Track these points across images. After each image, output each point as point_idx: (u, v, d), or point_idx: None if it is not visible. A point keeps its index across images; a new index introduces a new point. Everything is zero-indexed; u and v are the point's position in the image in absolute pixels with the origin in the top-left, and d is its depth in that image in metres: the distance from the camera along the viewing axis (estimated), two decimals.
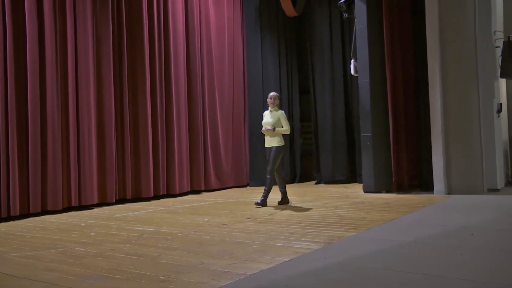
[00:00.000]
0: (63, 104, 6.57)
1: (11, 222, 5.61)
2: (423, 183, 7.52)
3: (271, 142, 6.21)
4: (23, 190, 6.00)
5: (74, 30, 6.73)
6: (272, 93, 6.44)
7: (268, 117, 6.33)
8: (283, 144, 6.25)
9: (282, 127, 6.21)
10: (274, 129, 6.14)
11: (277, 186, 6.41)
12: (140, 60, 7.61)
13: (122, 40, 7.40)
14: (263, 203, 6.22)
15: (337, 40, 9.58)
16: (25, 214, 5.98)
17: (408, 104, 7.65)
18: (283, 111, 6.39)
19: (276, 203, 6.39)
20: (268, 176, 6.20)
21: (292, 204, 6.45)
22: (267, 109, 6.43)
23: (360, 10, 7.70)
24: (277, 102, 6.35)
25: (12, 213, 5.81)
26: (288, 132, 6.35)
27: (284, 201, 6.42)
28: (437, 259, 3.25)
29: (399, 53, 7.57)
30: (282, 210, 5.95)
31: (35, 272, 3.22)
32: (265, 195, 6.24)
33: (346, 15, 8.29)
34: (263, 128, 6.27)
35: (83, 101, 6.80)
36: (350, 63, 8.05)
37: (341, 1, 8.15)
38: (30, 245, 4.20)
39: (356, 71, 7.88)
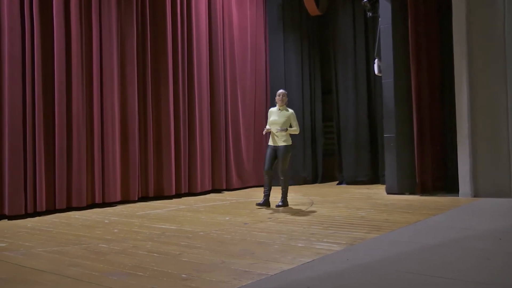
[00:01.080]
0: (88, 104, 6.68)
1: (37, 218, 5.74)
2: (448, 185, 7.38)
3: (279, 141, 5.99)
4: (49, 187, 6.13)
5: (99, 30, 6.83)
6: (281, 91, 6.18)
7: (277, 116, 6.06)
8: (291, 143, 6.08)
9: (290, 126, 6.03)
10: (286, 129, 5.96)
11: (274, 186, 6.24)
12: (163, 60, 7.69)
13: (145, 39, 7.48)
14: (284, 203, 6.13)
15: (360, 39, 9.49)
16: (51, 210, 6.11)
17: (433, 104, 7.51)
18: (293, 111, 6.15)
19: (275, 206, 6.17)
20: (281, 178, 6.04)
21: (313, 205, 6.41)
22: (275, 106, 6.18)
23: (385, 9, 7.61)
24: (286, 100, 6.12)
25: (38, 209, 5.94)
26: (298, 132, 6.17)
27: (266, 203, 6.15)
28: (462, 263, 3.18)
29: (425, 52, 7.44)
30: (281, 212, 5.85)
31: (61, 267, 3.28)
32: (284, 196, 6.14)
33: (370, 14, 8.19)
34: (272, 127, 6.00)
35: (108, 100, 6.90)
36: (374, 63, 7.96)
37: (365, 0, 8.06)
38: (56, 241, 4.28)
39: (380, 70, 7.78)
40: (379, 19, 7.78)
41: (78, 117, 6.46)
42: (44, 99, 6.15)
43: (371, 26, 9.22)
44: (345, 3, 9.67)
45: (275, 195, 6.40)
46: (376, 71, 7.92)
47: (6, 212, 5.68)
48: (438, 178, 7.52)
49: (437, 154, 7.52)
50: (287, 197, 6.22)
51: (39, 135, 6.01)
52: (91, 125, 6.70)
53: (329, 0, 9.82)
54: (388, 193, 7.45)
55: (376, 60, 7.87)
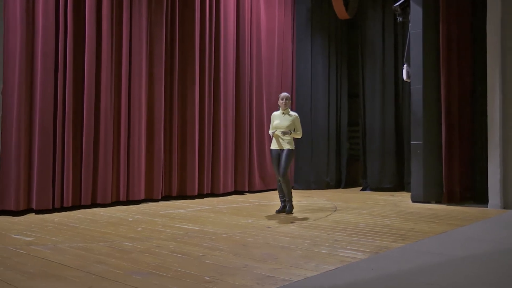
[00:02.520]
0: (116, 103, 6.78)
1: (63, 213, 5.85)
2: (477, 196, 7.19)
3: (283, 144, 5.87)
4: (75, 183, 6.24)
5: (129, 30, 6.93)
6: (284, 94, 6.05)
7: (281, 120, 5.92)
8: (294, 147, 5.97)
9: (294, 130, 5.91)
10: (290, 132, 5.84)
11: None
12: (191, 60, 7.75)
13: (174, 40, 7.55)
14: (290, 209, 5.97)
15: (389, 44, 9.36)
16: (76, 205, 6.22)
17: (463, 112, 7.33)
18: (297, 114, 6.03)
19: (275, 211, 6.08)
20: (281, 179, 5.87)
21: (336, 211, 6.34)
22: (278, 111, 6.03)
23: (416, 14, 7.47)
24: (289, 103, 5.99)
25: (65, 204, 6.05)
26: (301, 136, 6.07)
27: (284, 210, 6.02)
28: (491, 277, 3.08)
29: (456, 59, 7.27)
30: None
31: (86, 264, 3.32)
32: (290, 200, 5.99)
33: (401, 19, 8.05)
34: (276, 131, 5.87)
35: (135, 100, 6.99)
36: (403, 68, 7.82)
37: (395, 5, 7.93)
38: (82, 237, 4.35)
39: (408, 76, 7.65)
40: (409, 24, 7.66)
41: (106, 116, 6.56)
42: (74, 97, 6.27)
43: (400, 30, 9.09)
44: (374, 7, 9.56)
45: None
46: (404, 77, 7.79)
47: (34, 206, 5.80)
48: (466, 187, 7.33)
49: (466, 163, 7.33)
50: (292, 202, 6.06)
51: (68, 133, 6.13)
52: (118, 124, 6.79)
53: (359, 3, 9.71)
54: (414, 201, 7.31)
55: (405, 65, 7.74)
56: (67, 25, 6.15)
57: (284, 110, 5.96)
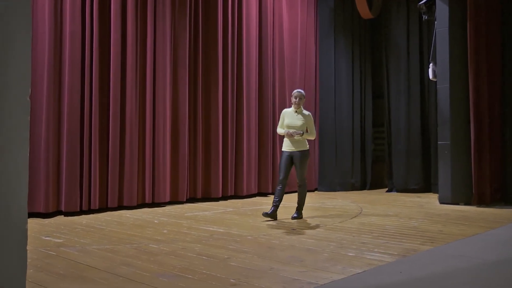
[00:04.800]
0: (141, 106, 6.86)
1: (91, 215, 5.95)
2: (508, 197, 6.99)
3: (297, 146, 5.45)
4: (102, 185, 6.34)
5: (153, 34, 7.00)
6: (298, 92, 5.55)
7: (293, 119, 5.48)
8: (308, 147, 5.55)
9: (307, 131, 5.49)
10: (302, 133, 5.42)
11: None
12: (214, 63, 7.79)
13: (197, 43, 7.60)
14: (299, 215, 5.65)
15: (414, 43, 9.21)
16: (103, 208, 6.32)
17: (492, 112, 7.14)
18: (310, 114, 5.63)
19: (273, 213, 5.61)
20: (300, 185, 5.56)
21: (362, 213, 6.25)
22: (290, 108, 5.61)
23: (442, 12, 7.33)
24: (303, 102, 5.53)
25: (92, 207, 6.16)
26: (314, 138, 5.65)
27: (273, 215, 5.55)
28: None
29: (484, 57, 7.09)
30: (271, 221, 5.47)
31: (113, 266, 3.36)
32: (300, 207, 5.67)
33: (426, 17, 7.91)
34: (290, 130, 5.42)
35: (160, 103, 7.06)
36: (429, 67, 7.68)
37: (421, 3, 7.80)
38: (109, 239, 4.41)
39: (434, 75, 7.50)
40: (435, 22, 7.51)
41: (131, 119, 6.65)
42: (100, 101, 6.37)
43: (426, 29, 8.93)
44: (399, 5, 9.42)
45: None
46: (430, 76, 7.64)
47: (63, 208, 5.92)
48: (497, 189, 7.13)
49: (496, 163, 7.13)
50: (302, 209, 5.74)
51: (94, 136, 6.23)
52: (143, 127, 6.87)
53: (383, 2, 9.59)
54: (441, 202, 7.15)
55: (431, 64, 7.60)
56: (93, 30, 6.26)
57: (297, 109, 5.51)
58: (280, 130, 5.60)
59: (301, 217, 5.68)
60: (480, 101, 7.05)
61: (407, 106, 9.24)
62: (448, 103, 7.20)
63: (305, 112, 5.60)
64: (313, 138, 5.66)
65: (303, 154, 5.47)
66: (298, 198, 5.69)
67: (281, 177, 5.54)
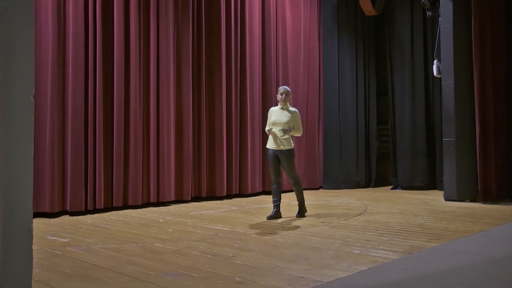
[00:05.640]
0: (145, 106, 6.87)
1: (96, 215, 5.97)
2: None
3: (282, 144, 5.39)
4: (107, 185, 6.36)
5: (156, 33, 7.01)
6: (283, 88, 5.54)
7: (279, 116, 5.43)
8: (293, 146, 5.49)
9: (294, 127, 5.44)
10: (289, 130, 5.37)
11: (272, 194, 5.64)
12: (217, 61, 7.78)
13: (200, 42, 7.60)
14: (302, 214, 5.64)
15: (418, 40, 9.16)
16: (108, 207, 6.33)
17: (498, 108, 7.10)
18: (297, 110, 5.57)
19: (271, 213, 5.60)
20: (293, 183, 5.53)
21: (367, 210, 6.24)
22: (277, 106, 5.59)
23: (446, 8, 7.29)
24: (289, 99, 5.49)
25: (97, 206, 6.18)
26: (300, 135, 5.61)
27: (277, 215, 5.53)
28: None
29: (489, 52, 7.05)
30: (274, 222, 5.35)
31: (119, 265, 3.37)
32: (301, 205, 5.66)
33: (430, 14, 7.88)
34: (274, 128, 5.40)
35: (163, 102, 7.07)
36: (433, 64, 7.65)
37: None
38: (114, 238, 4.42)
39: (439, 72, 7.47)
40: (439, 18, 7.48)
41: (135, 118, 6.66)
42: (104, 101, 6.38)
43: (430, 25, 8.88)
44: (402, 2, 9.38)
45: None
46: (435, 73, 7.61)
47: (68, 208, 5.95)
48: (502, 185, 7.09)
49: (502, 160, 7.09)
50: (304, 205, 5.72)
51: (99, 135, 6.25)
52: (147, 127, 6.88)
53: None
54: (447, 199, 7.13)
55: (435, 61, 7.56)
56: (96, 30, 6.27)
57: (283, 105, 5.47)
58: (266, 129, 5.58)
59: (305, 211, 5.72)
60: (485, 97, 7.01)
61: (412, 103, 9.20)
62: (453, 100, 7.16)
63: (292, 108, 5.55)
64: (299, 135, 5.64)
65: (289, 153, 5.43)
66: (296, 196, 5.71)
67: (273, 177, 5.57)
